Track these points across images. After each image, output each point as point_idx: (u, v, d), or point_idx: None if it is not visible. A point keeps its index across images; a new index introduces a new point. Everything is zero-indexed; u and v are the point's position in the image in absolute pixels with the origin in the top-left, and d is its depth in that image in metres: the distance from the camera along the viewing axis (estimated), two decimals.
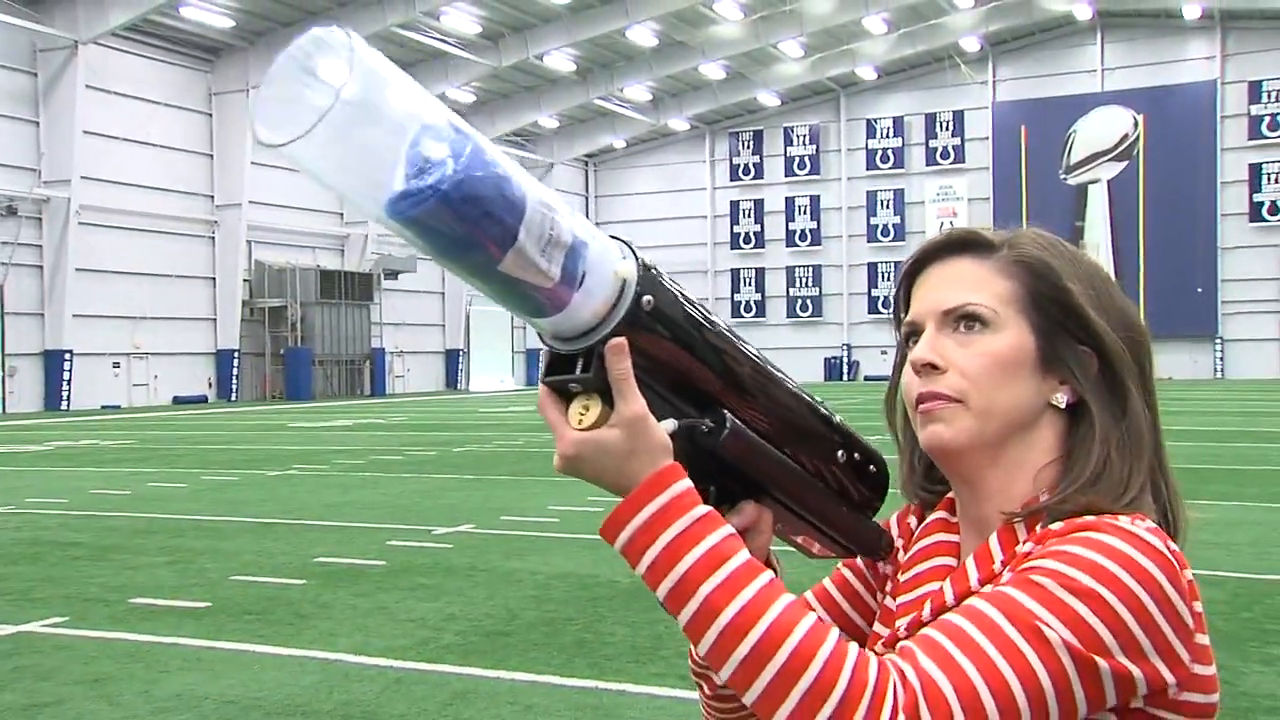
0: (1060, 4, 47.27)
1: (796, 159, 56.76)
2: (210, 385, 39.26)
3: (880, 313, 55.29)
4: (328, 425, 25.37)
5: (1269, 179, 48.87)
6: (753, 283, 58.00)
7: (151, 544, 9.41)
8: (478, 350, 52.49)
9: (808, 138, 56.34)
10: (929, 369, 1.08)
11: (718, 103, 53.14)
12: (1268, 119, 48.88)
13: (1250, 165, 49.11)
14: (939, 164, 54.13)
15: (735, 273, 58.27)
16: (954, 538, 1.15)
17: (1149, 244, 49.77)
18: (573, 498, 11.79)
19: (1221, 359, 49.05)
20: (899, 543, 1.22)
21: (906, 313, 1.15)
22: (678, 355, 0.96)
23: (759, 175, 57.59)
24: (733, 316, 58.37)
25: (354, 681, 5.37)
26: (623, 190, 60.21)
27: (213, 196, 39.14)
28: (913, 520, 1.24)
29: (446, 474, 14.59)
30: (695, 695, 5.12)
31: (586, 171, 60.12)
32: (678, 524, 0.94)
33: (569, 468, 1.00)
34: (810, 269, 56.72)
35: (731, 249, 58.31)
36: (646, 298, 0.92)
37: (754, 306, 58.09)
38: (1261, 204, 49.04)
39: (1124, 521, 1.00)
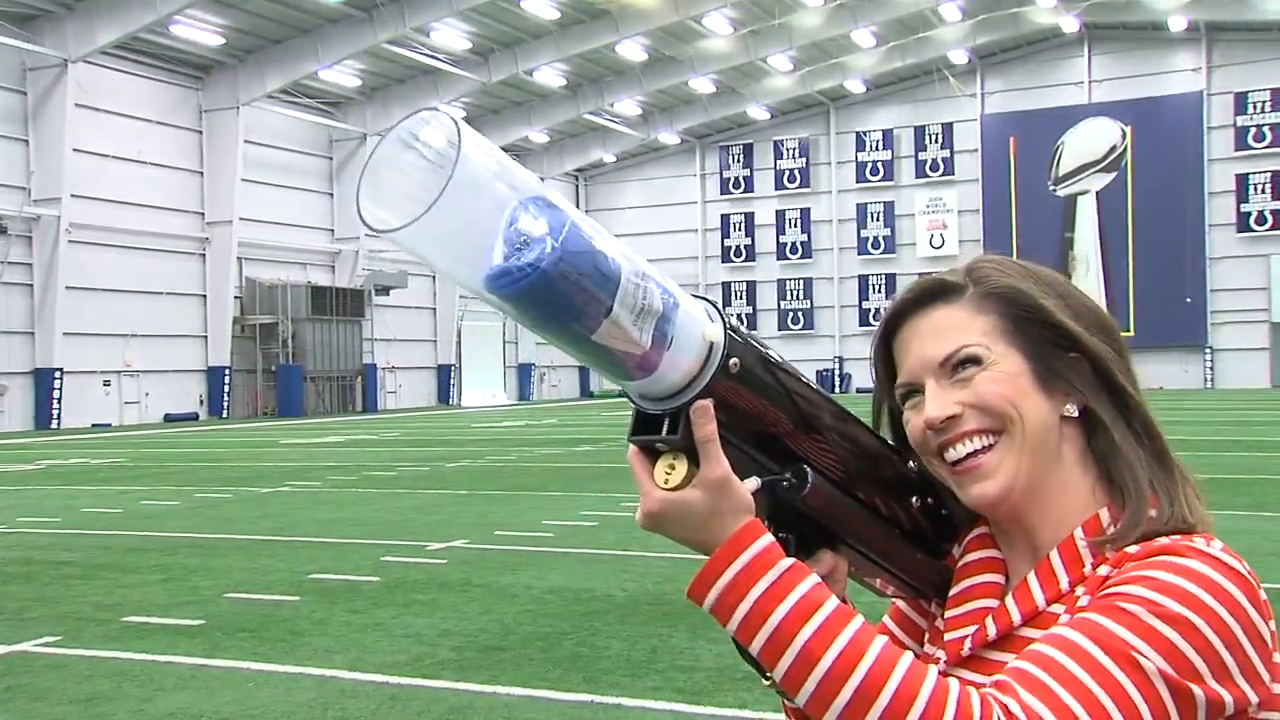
0: (1047, 17, 47.53)
1: (786, 172, 56.92)
2: (201, 402, 39.17)
3: (871, 325, 55.18)
4: (320, 441, 25.32)
5: (1256, 189, 49.11)
6: (744, 296, 58.08)
7: (144, 562, 9.38)
8: (469, 366, 52.45)
9: (798, 151, 56.51)
10: (950, 421, 1.09)
11: (708, 116, 53.30)
12: (1254, 130, 49.15)
13: (1237, 176, 49.36)
14: (929, 176, 54.32)
15: (726, 286, 58.35)
16: (997, 554, 1.16)
17: (1138, 255, 49.96)
18: (566, 512, 11.80)
19: (1211, 369, 49.22)
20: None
21: (885, 369, 1.17)
22: (762, 412, 0.99)
23: (749, 189, 57.73)
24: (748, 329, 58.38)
25: (349, 698, 5.35)
26: (613, 204, 60.30)
27: (203, 213, 39.10)
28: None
29: (440, 489, 14.57)
30: (690, 708, 5.13)
31: (577, 186, 60.21)
32: (766, 578, 0.96)
33: (653, 525, 1.01)
34: (801, 282, 56.83)
35: (722, 262, 58.40)
36: (733, 360, 0.95)
37: (745, 320, 58.13)
38: (1249, 214, 49.28)
39: (1200, 543, 1.02)
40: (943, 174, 54.05)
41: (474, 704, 5.22)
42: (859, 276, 55.67)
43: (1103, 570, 1.05)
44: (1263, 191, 49.04)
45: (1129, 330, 49.79)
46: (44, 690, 5.63)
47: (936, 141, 54.04)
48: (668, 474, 0.97)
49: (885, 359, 1.18)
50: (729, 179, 58.03)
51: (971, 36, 48.44)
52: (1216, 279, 49.34)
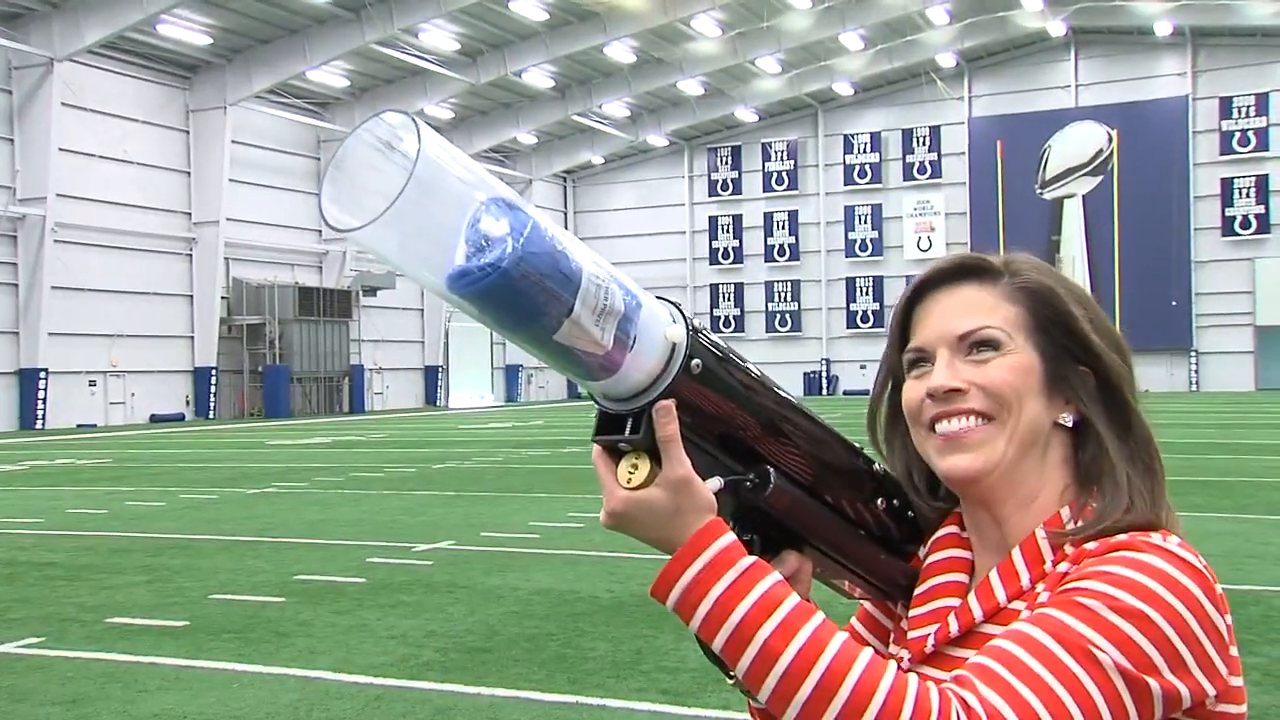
0: (1034, 21, 47.70)
1: (774, 174, 57.00)
2: (188, 403, 39.05)
3: (859, 327, 55.50)
4: (307, 443, 25.26)
5: (1240, 193, 49.38)
6: (731, 298, 58.14)
7: (129, 563, 9.35)
8: (457, 367, 52.40)
9: (786, 153, 56.60)
10: (953, 394, 1.10)
11: (696, 119, 53.35)
12: (1238, 134, 49.42)
13: (1222, 180, 49.62)
14: (916, 179, 54.46)
15: (714, 288, 58.40)
16: (966, 554, 1.17)
17: (1124, 258, 50.17)
18: (553, 514, 11.80)
19: (1196, 371, 49.45)
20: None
21: (901, 334, 1.17)
22: (724, 413, 0.99)
23: (737, 190, 57.80)
24: (712, 332, 58.39)
25: (334, 699, 5.35)
26: (602, 206, 60.32)
27: (190, 213, 38.99)
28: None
29: (427, 491, 14.55)
30: (675, 709, 5.14)
31: (565, 187, 60.21)
32: (727, 576, 0.97)
33: (616, 524, 1.02)
34: (789, 284, 56.91)
35: (710, 264, 58.45)
36: (695, 361, 0.95)
37: (733, 321, 58.20)
38: (1233, 218, 49.54)
39: (1157, 539, 1.03)
40: (930, 177, 54.20)
41: (459, 705, 5.23)
42: (846, 279, 55.78)
43: (1063, 567, 1.05)
44: (1247, 195, 49.30)
45: None
46: (27, 691, 5.61)
47: (924, 144, 54.19)
48: (630, 473, 0.98)
49: (904, 323, 1.17)
50: (717, 181, 58.08)
51: (959, 40, 48.58)
52: (1201, 282, 49.58)
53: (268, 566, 9.05)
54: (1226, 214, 49.64)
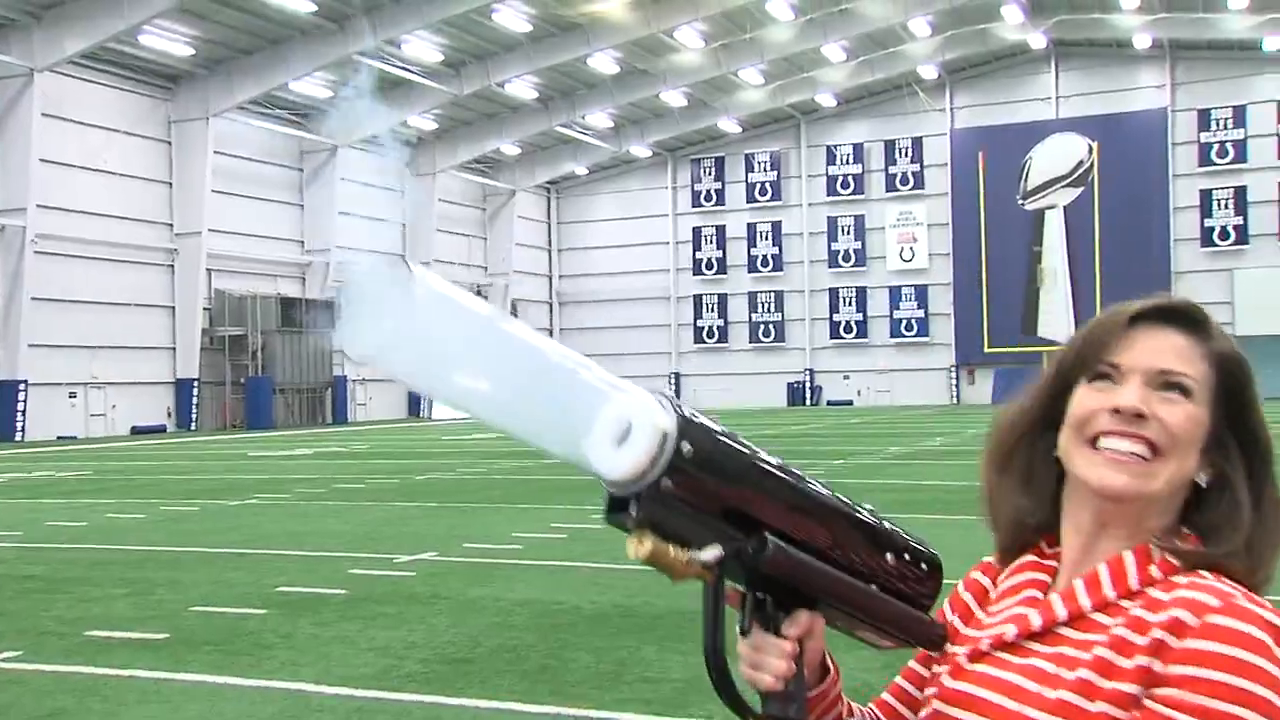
0: (1015, 33, 48.00)
1: (758, 185, 57.14)
2: (169, 415, 38.85)
3: (842, 337, 55.62)
4: (289, 454, 25.16)
5: (1219, 204, 49.76)
6: (715, 309, 58.21)
7: (109, 576, 9.29)
8: None
9: (769, 164, 56.76)
10: (1136, 418, 1.16)
11: (679, 129, 53.45)
12: (1217, 146, 49.81)
13: (1201, 191, 49.98)
14: (899, 190, 54.66)
15: (698, 299, 58.46)
16: (1045, 576, 1.24)
17: (1105, 268, 50.42)
18: (536, 525, 11.78)
19: None
20: (971, 602, 1.30)
21: (1099, 350, 1.21)
22: (719, 487, 1.05)
23: (721, 201, 57.91)
24: (695, 343, 58.54)
25: (315, 711, 5.33)
26: (585, 217, 60.35)
27: (172, 224, 38.84)
28: (979, 577, 1.32)
29: (409, 502, 14.51)
30: (659, 719, 5.10)
31: (549, 198, 60.22)
32: None
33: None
34: (772, 294, 57.01)
35: (694, 275, 58.51)
36: (686, 446, 1.00)
37: (716, 332, 58.27)
38: (1212, 229, 49.89)
39: (1250, 605, 1.09)
40: (912, 188, 54.42)
41: (441, 716, 5.21)
42: (829, 289, 55.91)
43: (1152, 592, 1.14)
44: (1225, 207, 49.68)
45: None
46: (4, 706, 5.56)
47: (906, 155, 54.42)
48: (637, 548, 1.03)
49: (1101, 340, 1.21)
50: (700, 192, 58.19)
51: (941, 52, 48.83)
52: (1181, 293, 49.11)
53: (249, 578, 9.00)
54: (1206, 225, 50.00)
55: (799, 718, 1.14)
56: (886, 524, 1.20)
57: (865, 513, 1.18)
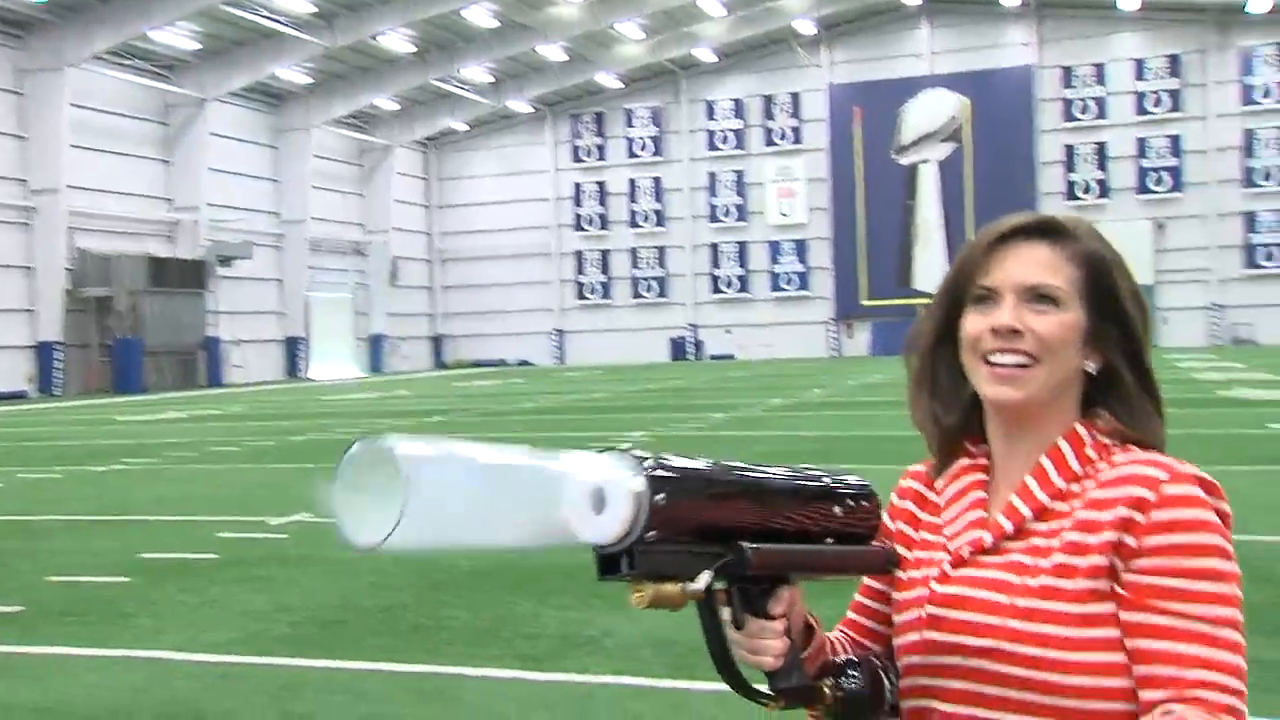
0: None
1: (638, 141, 57.03)
2: (30, 380, 37.29)
3: (724, 292, 56.08)
4: (159, 418, 24.41)
5: (1082, 159, 51.41)
6: (597, 265, 58.12)
7: None
8: (319, 338, 51.22)
9: (649, 119, 56.67)
10: (1011, 334, 1.32)
11: (559, 84, 52.96)
12: (1079, 103, 51.37)
13: (1065, 146, 51.54)
14: (777, 145, 55.13)
15: (579, 255, 58.29)
16: (982, 475, 1.41)
17: (977, 221, 51.67)
18: None
19: None
20: (912, 507, 1.46)
21: (971, 270, 1.37)
22: (693, 516, 1.17)
23: (602, 157, 57.68)
24: (578, 299, 58.40)
25: (178, 679, 5.17)
26: (464, 173, 59.55)
27: (26, 180, 37.08)
28: (912, 484, 1.48)
29: (286, 464, 14.20)
30: (532, 675, 5.10)
31: (427, 154, 59.23)
32: None
33: None
34: (654, 250, 57.13)
35: (576, 231, 58.28)
36: (659, 497, 1.12)
37: (599, 289, 58.22)
38: (1075, 183, 51.55)
39: (1187, 469, 1.28)
40: (791, 143, 54.93)
41: (310, 679, 5.10)
42: (711, 244, 56.25)
43: (1100, 476, 1.30)
44: (1088, 162, 51.34)
45: None
46: None
47: (785, 111, 54.85)
48: (639, 599, 1.16)
49: (975, 262, 1.37)
50: (581, 147, 57.85)
51: (817, 7, 49.20)
52: None
53: (113, 546, 8.70)
54: (1069, 179, 51.61)
55: (803, 683, 1.28)
56: (827, 479, 1.34)
57: (812, 478, 1.32)
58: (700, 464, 1.20)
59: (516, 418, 20.92)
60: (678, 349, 56.25)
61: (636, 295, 57.52)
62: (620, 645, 5.45)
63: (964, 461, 1.42)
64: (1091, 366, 1.35)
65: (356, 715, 4.60)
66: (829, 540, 1.31)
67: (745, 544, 1.20)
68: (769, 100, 54.90)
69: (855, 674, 1.32)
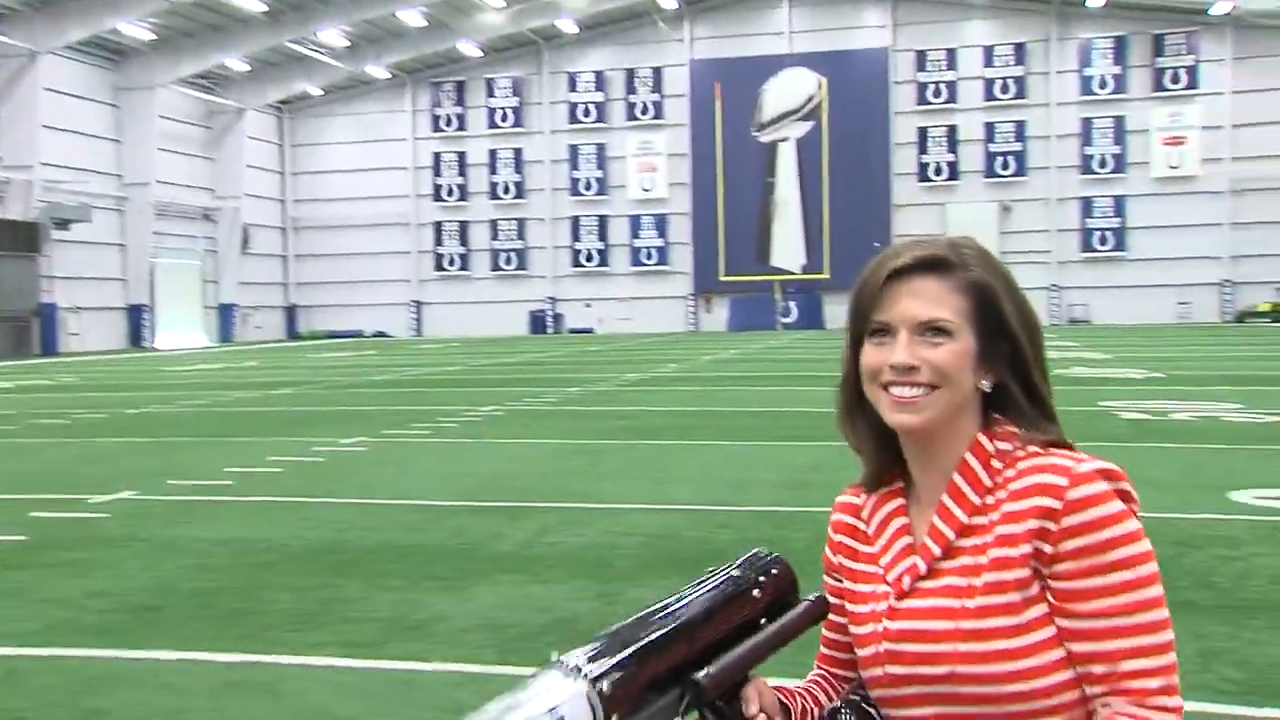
0: None
1: (499, 111, 56.34)
2: None
3: (584, 266, 55.93)
4: None
5: (934, 142, 52.80)
6: (456, 236, 57.32)
7: None
8: (165, 306, 49.30)
9: (511, 90, 56.00)
10: (909, 370, 1.41)
11: (418, 51, 51.88)
12: (932, 86, 52.72)
13: (919, 129, 52.84)
14: (639, 119, 55.11)
15: (438, 226, 57.39)
16: (902, 501, 1.51)
17: (833, 200, 52.69)
18: (252, 458, 11.21)
19: None
20: (847, 540, 1.56)
21: (870, 303, 1.45)
22: (643, 683, 1.23)
23: (462, 127, 56.81)
24: (436, 270, 57.51)
25: None
26: (320, 139, 57.97)
27: None
28: (844, 518, 1.58)
29: (117, 438, 13.54)
30: (356, 663, 4.89)
31: (281, 119, 57.43)
32: None
33: None
34: (515, 222, 56.62)
35: (435, 201, 57.35)
36: (604, 687, 1.18)
37: (457, 260, 57.45)
38: (927, 165, 52.93)
39: (1081, 466, 1.38)
40: (653, 117, 54.98)
41: (114, 673, 4.80)
42: (571, 218, 56.01)
43: (1011, 487, 1.40)
44: (940, 144, 52.76)
45: (825, 273, 52.53)
46: None
47: (647, 85, 54.85)
48: None
49: (872, 297, 1.45)
50: (441, 116, 56.87)
51: None
52: (900, 225, 52.72)
53: None
54: (922, 161, 52.95)
55: None
56: (734, 571, 1.38)
57: (722, 580, 1.37)
58: (623, 637, 1.26)
59: (367, 390, 20.44)
60: (537, 322, 55.93)
61: (496, 268, 56.95)
62: (450, 630, 5.29)
63: (882, 490, 1.53)
64: (986, 385, 1.44)
65: (158, 711, 4.33)
66: (764, 621, 1.39)
67: (696, 676, 1.28)
68: (631, 74, 54.81)
69: (848, 713, 1.49)
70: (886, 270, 1.43)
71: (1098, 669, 1.34)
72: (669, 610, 1.31)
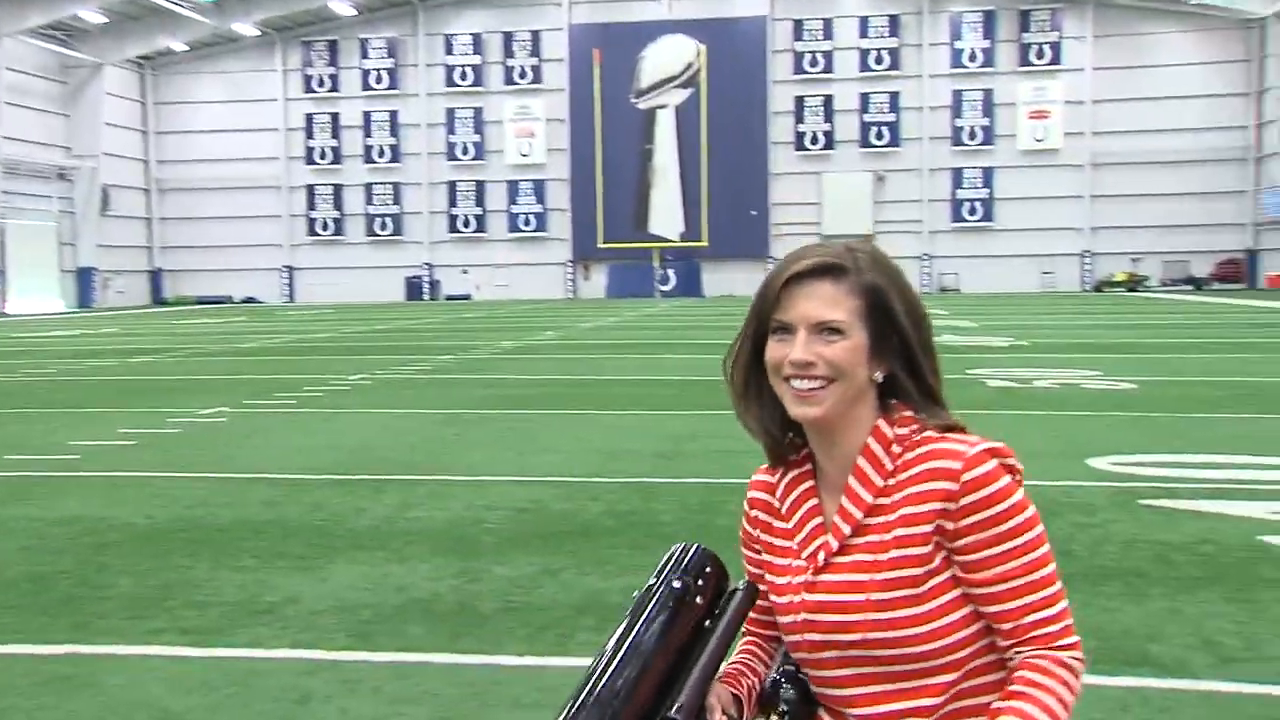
0: None
1: (374, 72, 55.01)
2: None
3: (460, 231, 55.13)
4: None
5: (810, 111, 53.29)
6: (330, 200, 55.95)
7: None
8: (18, 269, 47.07)
9: (386, 51, 54.71)
10: (807, 366, 1.57)
11: (287, 9, 50.29)
12: (809, 55, 53.14)
13: (796, 98, 53.26)
14: (517, 84, 54.39)
15: (311, 189, 55.92)
16: (812, 483, 1.66)
17: (711, 169, 52.82)
18: (102, 431, 10.65)
19: None
20: (763, 516, 1.71)
21: (773, 303, 1.61)
22: None
23: (335, 88, 55.35)
24: (309, 235, 56.07)
25: None
26: (186, 98, 55.87)
27: None
28: (759, 495, 1.73)
29: None
30: (195, 651, 4.57)
31: (143, 75, 55.13)
32: None
33: None
34: (390, 187, 55.48)
35: (307, 164, 55.84)
36: None
37: (331, 224, 56.09)
38: (804, 134, 53.41)
39: (972, 448, 1.56)
40: (531, 82, 54.32)
41: None
42: (448, 182, 55.11)
43: (910, 470, 1.57)
44: (816, 114, 53.26)
45: (703, 241, 52.72)
46: None
47: (525, 49, 54.13)
48: None
49: (773, 298, 1.60)
50: (313, 77, 55.31)
51: None
52: (777, 193, 53.20)
53: None
54: (799, 130, 53.41)
55: None
56: (677, 585, 1.52)
57: (666, 596, 1.52)
58: (604, 695, 1.35)
59: (231, 359, 19.73)
60: (413, 289, 55.02)
61: (371, 233, 55.79)
62: (301, 613, 5.00)
63: (794, 472, 1.68)
64: (879, 376, 1.60)
65: None
66: (708, 623, 1.52)
67: (669, 716, 1.40)
68: (509, 37, 54.02)
69: (787, 685, 1.61)
70: (786, 274, 1.59)
71: (1006, 625, 1.54)
72: (631, 653, 1.42)
